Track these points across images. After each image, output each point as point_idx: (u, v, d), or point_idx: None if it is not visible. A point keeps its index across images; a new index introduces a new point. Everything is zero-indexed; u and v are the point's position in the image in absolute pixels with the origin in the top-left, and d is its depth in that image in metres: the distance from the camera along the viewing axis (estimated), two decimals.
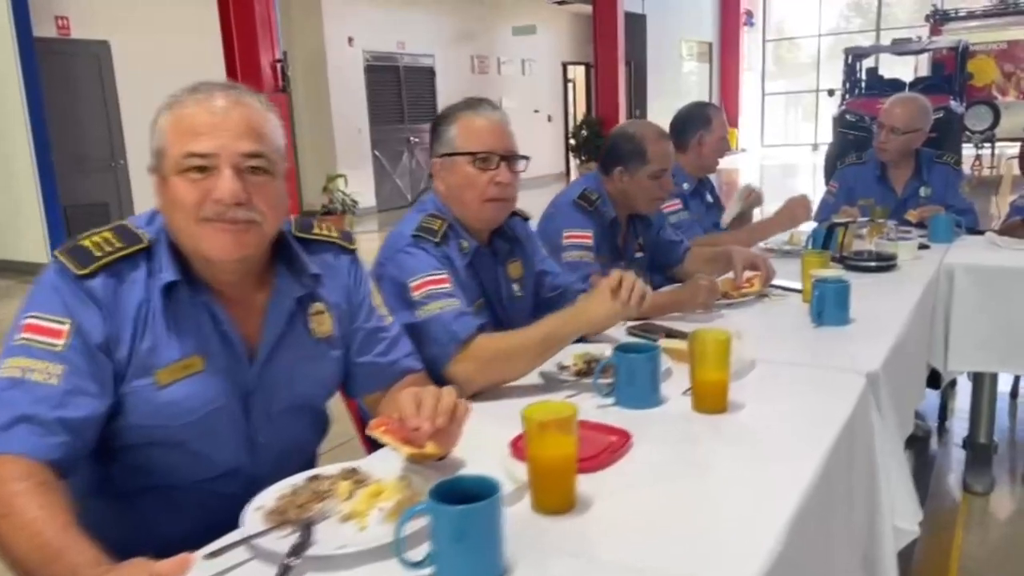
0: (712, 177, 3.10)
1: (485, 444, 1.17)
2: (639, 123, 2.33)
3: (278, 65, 7.35)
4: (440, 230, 1.56)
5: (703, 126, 2.86)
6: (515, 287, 1.74)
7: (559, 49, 14.44)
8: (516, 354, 1.44)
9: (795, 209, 2.73)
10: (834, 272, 2.00)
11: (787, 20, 21.29)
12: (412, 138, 10.99)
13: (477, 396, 1.42)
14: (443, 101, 11.63)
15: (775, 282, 2.22)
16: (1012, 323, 2.43)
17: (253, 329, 1.15)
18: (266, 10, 7.24)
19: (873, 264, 2.42)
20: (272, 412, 1.18)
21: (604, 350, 1.54)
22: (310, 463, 1.30)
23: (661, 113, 17.60)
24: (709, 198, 3.01)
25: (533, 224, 1.98)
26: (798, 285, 2.11)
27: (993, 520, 2.43)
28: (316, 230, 1.29)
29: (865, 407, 1.44)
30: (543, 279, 1.82)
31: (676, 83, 17.30)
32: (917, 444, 2.98)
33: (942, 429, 3.11)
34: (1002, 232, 2.89)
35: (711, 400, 1.33)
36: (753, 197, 3.22)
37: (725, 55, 19.42)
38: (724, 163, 3.17)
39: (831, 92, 12.62)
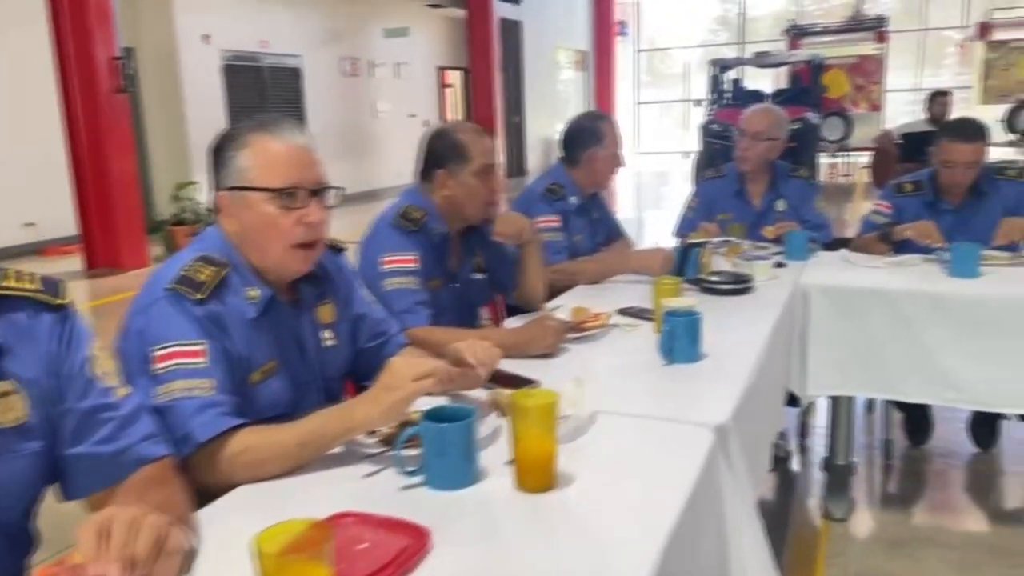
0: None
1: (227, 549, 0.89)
2: (453, 122, 2.13)
3: (118, 62, 6.69)
4: (211, 282, 1.25)
5: (595, 142, 2.66)
6: (326, 335, 1.45)
7: (434, 53, 14.17)
8: (268, 459, 1.16)
9: (655, 259, 2.46)
10: (686, 302, 1.84)
11: (659, 31, 21.92)
12: None
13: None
14: (311, 104, 11.13)
15: (626, 306, 2.07)
16: (867, 345, 2.38)
17: None
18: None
19: (730, 287, 2.30)
20: None
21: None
22: None
23: (540, 119, 17.79)
24: (596, 214, 2.83)
25: (351, 254, 1.71)
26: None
27: (854, 548, 2.36)
28: (3, 281, 0.97)
29: (713, 467, 1.27)
30: (361, 325, 1.54)
31: (554, 90, 17.40)
32: (778, 466, 2.91)
33: (803, 447, 3.07)
34: (856, 248, 2.88)
35: (535, 477, 1.11)
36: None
37: (600, 64, 19.73)
38: None
39: (698, 102, 13.01)
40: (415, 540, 0.96)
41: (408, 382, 1.16)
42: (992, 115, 13.92)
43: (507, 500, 1.09)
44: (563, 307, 2.06)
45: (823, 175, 12.33)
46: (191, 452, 1.13)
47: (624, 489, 1.12)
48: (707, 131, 10.97)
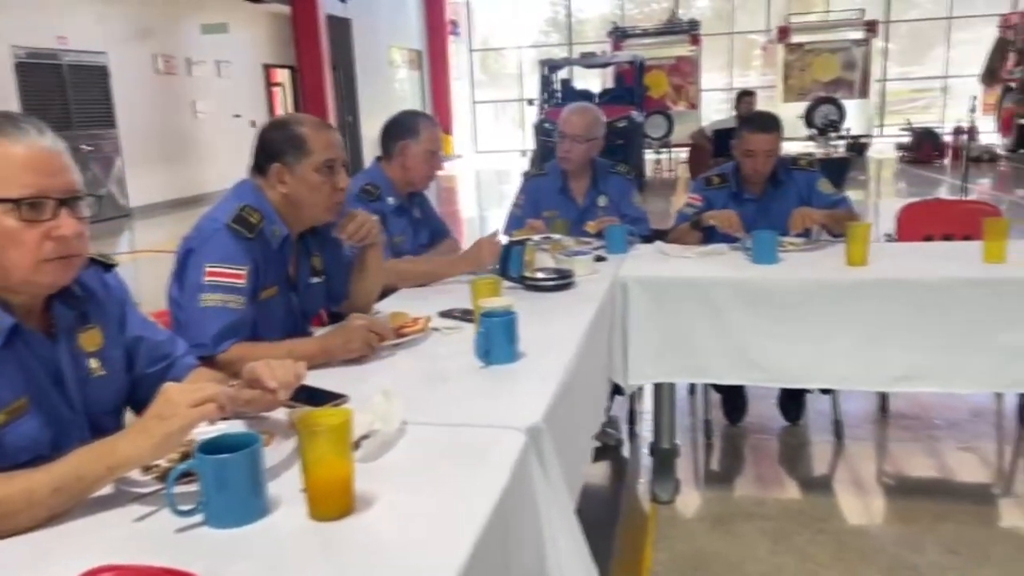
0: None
1: None
2: (292, 113, 1.92)
3: None
4: None
5: (409, 135, 2.57)
6: (92, 364, 1.28)
7: (259, 50, 13.53)
8: (18, 511, 1.00)
9: (483, 250, 2.43)
10: (503, 301, 1.81)
11: (493, 32, 22.21)
12: (83, 146, 9.53)
13: None
14: (122, 105, 10.29)
15: (448, 308, 2.02)
16: (682, 332, 2.47)
17: None
18: None
19: (551, 283, 2.31)
20: None
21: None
22: None
23: (375, 119, 17.44)
24: (418, 214, 2.74)
25: (134, 270, 1.53)
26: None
27: (679, 530, 2.45)
28: None
29: (525, 471, 1.24)
30: (139, 348, 1.38)
31: (389, 90, 17.13)
32: (609, 454, 2.99)
33: (633, 434, 3.16)
34: (671, 240, 2.99)
35: (329, 504, 1.02)
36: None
37: (435, 64, 19.70)
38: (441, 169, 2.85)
39: (531, 101, 13.28)
40: None
41: (183, 409, 1.04)
42: (794, 112, 15.25)
43: (299, 532, 1.00)
44: (382, 313, 1.98)
45: (649, 170, 12.97)
46: None
47: (428, 505, 1.06)
48: (540, 130, 11.22)
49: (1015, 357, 2.25)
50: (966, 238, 2.92)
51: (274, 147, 1.78)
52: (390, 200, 2.56)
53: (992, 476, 2.78)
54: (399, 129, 2.59)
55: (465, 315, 1.95)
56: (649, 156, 13.61)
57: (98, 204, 1.21)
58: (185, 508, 1.01)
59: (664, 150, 14.50)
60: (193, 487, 1.02)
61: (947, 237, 3.09)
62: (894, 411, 3.19)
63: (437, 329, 1.88)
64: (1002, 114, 14.36)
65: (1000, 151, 13.50)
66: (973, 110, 10.74)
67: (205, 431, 1.13)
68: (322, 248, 1.97)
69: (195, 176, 11.53)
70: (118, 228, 9.72)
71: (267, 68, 13.82)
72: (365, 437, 1.23)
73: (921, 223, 3.29)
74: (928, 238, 3.13)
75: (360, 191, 2.50)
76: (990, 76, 14.83)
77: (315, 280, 1.95)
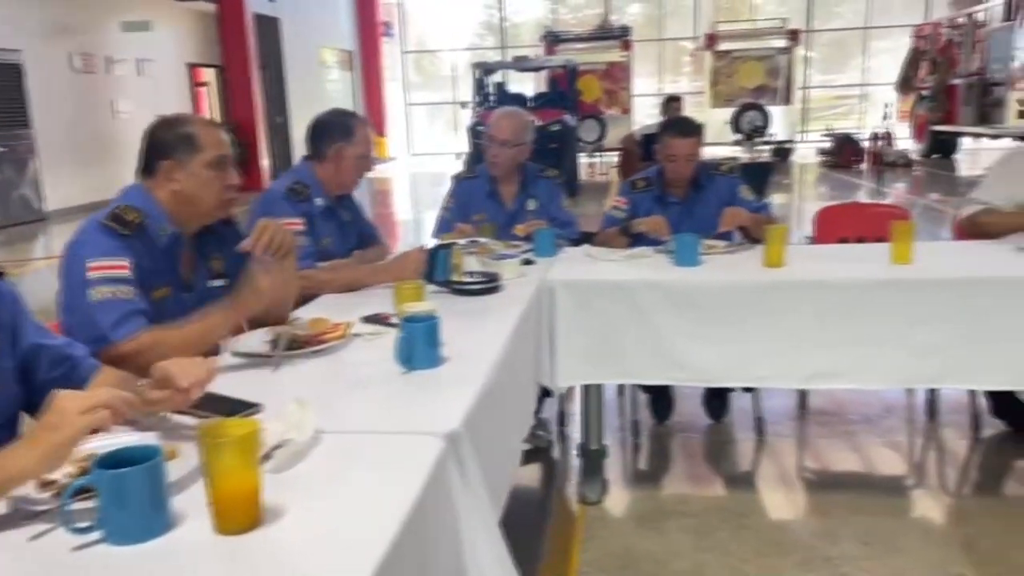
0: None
1: None
2: (179, 113, 1.90)
3: None
4: None
5: (344, 137, 2.52)
6: None
7: (184, 49, 13.15)
8: None
9: (408, 262, 2.41)
10: (426, 306, 1.81)
11: (427, 34, 22.10)
12: None
13: None
14: (38, 104, 9.86)
15: (371, 313, 2.00)
16: (608, 334, 2.50)
17: None
18: None
19: (478, 287, 2.31)
20: None
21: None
22: None
23: (307, 120, 17.06)
24: (347, 217, 2.69)
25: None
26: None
27: (607, 529, 2.47)
28: None
29: (443, 478, 1.23)
30: (39, 356, 1.33)
31: (320, 91, 16.86)
32: (540, 456, 3.00)
33: (563, 435, 3.19)
34: (598, 243, 3.03)
35: (235, 517, 0.99)
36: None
37: (367, 65, 19.49)
38: (376, 172, 2.83)
39: (464, 104, 13.28)
40: None
41: (72, 417, 1.00)
42: (722, 117, 15.66)
43: (203, 547, 0.97)
44: (301, 319, 1.94)
45: (583, 174, 13.11)
46: None
47: (338, 515, 1.04)
48: (474, 133, 11.21)
49: (922, 354, 2.35)
50: (878, 240, 3.04)
51: (164, 145, 1.78)
52: (319, 201, 2.51)
53: (904, 469, 2.90)
54: (333, 131, 2.54)
55: (388, 320, 1.93)
56: (583, 160, 13.77)
57: None
58: (83, 525, 0.97)
59: (598, 154, 14.71)
60: (92, 503, 0.98)
61: (861, 239, 3.21)
62: (813, 408, 3.30)
63: (359, 335, 1.85)
64: (916, 121, 15.05)
65: (914, 156, 14.13)
66: (886, 117, 11.24)
67: (108, 442, 1.09)
68: (222, 249, 1.96)
69: (115, 178, 11.06)
70: (32, 233, 9.30)
71: (192, 67, 13.45)
72: (277, 447, 1.21)
73: (837, 226, 3.41)
74: (843, 240, 3.25)
75: (288, 190, 2.45)
76: (905, 84, 15.53)
77: (216, 283, 1.94)
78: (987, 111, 12.58)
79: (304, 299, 2.26)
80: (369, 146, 2.62)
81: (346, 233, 2.67)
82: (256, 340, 1.81)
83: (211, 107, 14.17)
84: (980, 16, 13.09)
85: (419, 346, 1.61)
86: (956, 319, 2.30)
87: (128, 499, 0.97)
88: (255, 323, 2.11)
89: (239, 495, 1.00)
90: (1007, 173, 2.77)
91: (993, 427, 3.02)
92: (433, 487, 1.17)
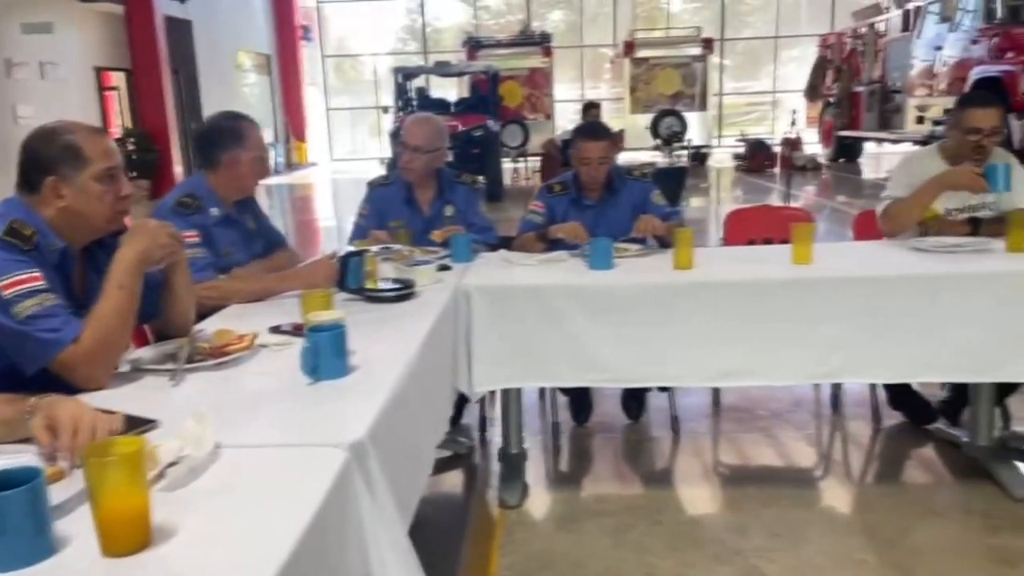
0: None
1: None
2: (59, 122, 1.75)
3: None
4: None
5: (236, 143, 2.43)
6: None
7: (90, 52, 12.60)
8: None
9: (319, 269, 2.37)
10: (334, 314, 1.78)
11: (348, 38, 21.82)
12: None
13: None
14: None
15: (278, 323, 1.96)
16: (524, 338, 2.52)
17: None
18: None
19: (391, 294, 2.29)
20: None
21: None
22: None
23: None
24: (251, 224, 2.62)
25: None
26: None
27: (526, 533, 2.48)
28: None
29: (347, 490, 1.21)
30: None
31: (236, 95, 16.42)
32: (461, 462, 3.00)
33: (484, 440, 3.19)
34: (516, 247, 3.04)
35: (121, 539, 0.96)
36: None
37: (285, 69, 19.10)
38: (296, 178, 2.74)
39: (385, 109, 13.17)
40: None
41: None
42: (642, 123, 16.00)
43: (89, 570, 0.93)
44: (205, 331, 1.88)
45: (507, 179, 13.17)
46: None
47: (233, 532, 1.01)
48: (396, 138, 11.13)
49: (822, 350, 2.45)
50: (784, 241, 3.15)
51: (46, 160, 1.66)
52: (214, 211, 2.42)
53: (811, 461, 3.02)
54: (224, 138, 2.45)
55: (295, 330, 1.89)
56: (507, 165, 13.84)
57: None
58: None
59: (521, 159, 14.80)
60: None
61: (768, 241, 3.32)
62: (726, 404, 3.40)
63: (265, 345, 1.81)
64: (823, 126, 15.71)
65: (823, 160, 14.75)
66: (794, 123, 11.69)
67: None
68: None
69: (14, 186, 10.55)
70: None
71: (99, 71, 12.90)
72: (172, 464, 1.17)
73: (746, 228, 3.53)
74: (751, 242, 3.36)
75: (176, 204, 2.35)
76: (812, 91, 16.18)
77: None
78: (888, 117, 13.22)
79: (211, 310, 2.19)
80: (263, 147, 2.55)
81: (251, 241, 2.59)
82: (157, 353, 1.76)
83: (121, 112, 13.63)
84: (880, 27, 13.75)
85: (325, 355, 1.58)
86: (853, 316, 2.41)
87: (7, 523, 0.92)
88: (158, 336, 2.05)
89: (126, 515, 0.96)
90: (907, 173, 2.94)
91: (893, 418, 3.17)
92: (336, 499, 1.15)
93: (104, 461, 0.95)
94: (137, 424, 1.33)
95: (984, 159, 2.79)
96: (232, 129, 2.47)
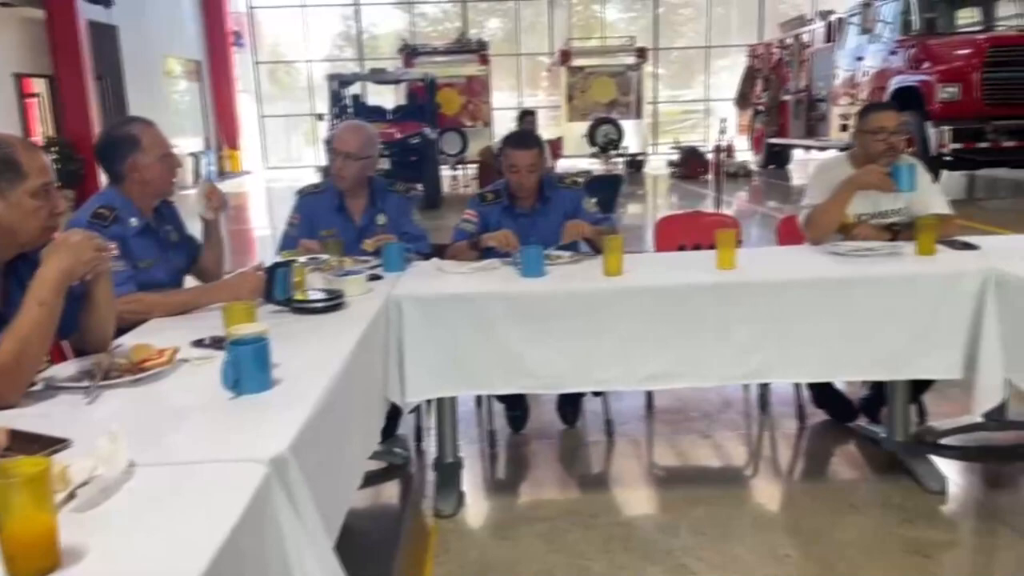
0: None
1: None
2: None
3: None
4: None
5: (131, 149, 2.35)
6: None
7: (10, 58, 12.10)
8: None
9: (244, 281, 2.34)
10: (258, 327, 1.75)
11: (281, 44, 21.47)
12: None
13: None
14: None
15: (201, 337, 1.92)
16: (457, 347, 2.52)
17: None
18: None
19: (319, 305, 2.27)
20: None
21: None
22: None
23: None
24: (174, 236, 2.55)
25: None
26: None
27: (462, 542, 2.48)
28: None
29: (266, 505, 1.20)
30: None
31: (165, 102, 16.01)
32: (396, 473, 2.98)
33: (420, 450, 3.17)
34: (449, 256, 3.05)
35: (28, 561, 0.93)
36: (216, 198, 2.64)
37: (216, 75, 18.70)
38: (230, 186, 2.65)
39: (320, 116, 13.01)
40: None
41: None
42: (579, 131, 16.18)
43: None
44: (124, 346, 1.83)
45: (446, 187, 13.16)
46: None
47: (145, 552, 0.99)
48: (330, 145, 11.00)
49: (745, 352, 2.53)
50: (712, 247, 3.24)
51: None
52: (133, 221, 2.36)
53: (739, 460, 3.10)
54: (118, 148, 2.38)
55: (217, 343, 1.86)
56: (446, 172, 13.82)
57: None
58: None
59: (460, 167, 14.81)
60: None
61: (697, 246, 3.40)
62: (659, 407, 3.46)
63: (186, 360, 1.77)
64: (754, 134, 16.17)
65: (753, 167, 15.17)
66: (723, 131, 11.99)
67: None
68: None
69: None
70: None
71: (19, 77, 12.40)
72: (84, 484, 1.14)
73: (675, 234, 3.61)
74: (681, 248, 3.43)
75: (93, 216, 2.29)
76: (742, 100, 16.65)
77: None
78: (814, 125, 13.68)
79: (131, 325, 2.13)
80: (165, 143, 2.46)
81: (171, 253, 2.53)
82: (72, 369, 1.71)
83: (43, 119, 13.13)
84: (806, 38, 14.24)
85: (247, 369, 1.56)
86: (773, 319, 2.50)
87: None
88: (76, 351, 1.99)
89: (32, 538, 0.93)
90: (821, 180, 3.06)
91: (817, 416, 3.28)
92: (254, 515, 1.14)
93: (8, 483, 0.92)
94: (49, 443, 1.29)
95: (894, 159, 2.93)
96: (124, 137, 2.39)
